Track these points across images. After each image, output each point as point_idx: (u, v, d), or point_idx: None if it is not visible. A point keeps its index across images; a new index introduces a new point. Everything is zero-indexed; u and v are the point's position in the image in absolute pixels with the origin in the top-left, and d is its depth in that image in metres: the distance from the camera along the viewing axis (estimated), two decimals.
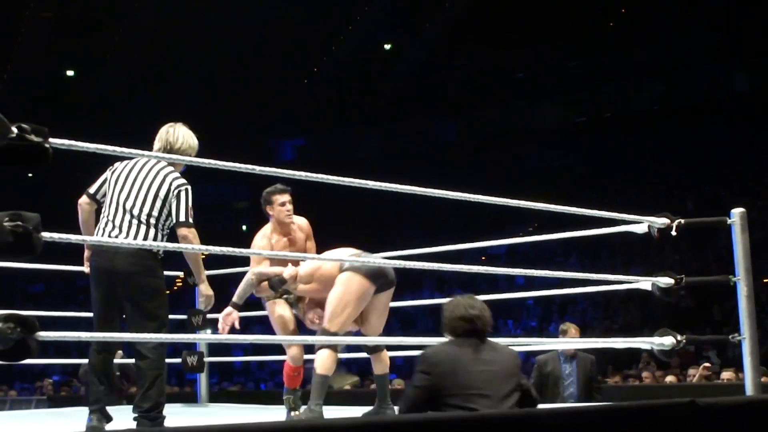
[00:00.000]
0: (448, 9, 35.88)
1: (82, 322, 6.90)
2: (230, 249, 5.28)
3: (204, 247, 5.97)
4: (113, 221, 6.04)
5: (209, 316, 8.45)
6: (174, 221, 6.27)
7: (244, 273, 7.51)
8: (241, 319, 7.40)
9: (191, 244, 6.13)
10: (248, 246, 5.74)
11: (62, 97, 37.87)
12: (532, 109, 36.57)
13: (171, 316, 6.43)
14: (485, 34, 34.46)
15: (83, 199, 6.36)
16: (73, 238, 4.36)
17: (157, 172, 6.31)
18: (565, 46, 34.31)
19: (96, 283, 6.10)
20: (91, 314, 6.24)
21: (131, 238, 5.99)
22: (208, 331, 8.64)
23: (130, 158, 6.23)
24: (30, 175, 30.85)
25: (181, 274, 9.51)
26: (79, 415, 6.65)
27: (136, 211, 6.08)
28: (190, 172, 5.59)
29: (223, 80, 36.56)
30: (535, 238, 8.76)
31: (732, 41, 30.61)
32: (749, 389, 6.68)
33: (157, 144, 6.44)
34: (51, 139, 4.09)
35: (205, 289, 6.40)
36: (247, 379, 25.36)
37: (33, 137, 4.01)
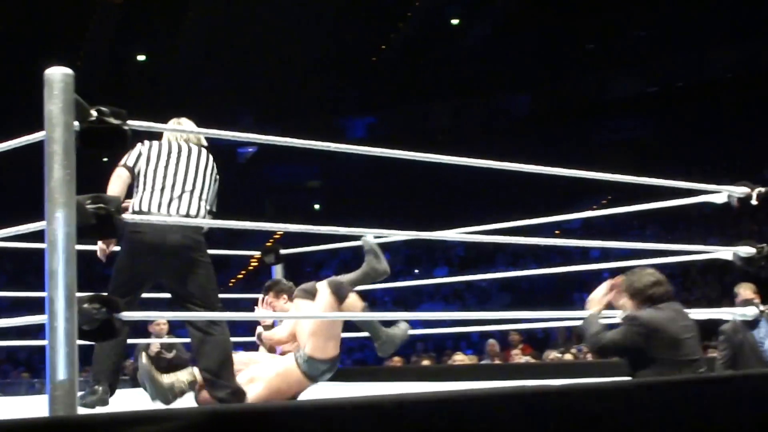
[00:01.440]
0: None
1: (160, 303, 6.95)
2: (305, 227, 5.31)
3: (280, 225, 5.98)
4: (168, 195, 5.95)
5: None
6: (210, 207, 6.30)
7: (318, 252, 7.56)
8: None
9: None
10: (322, 224, 5.69)
11: (134, 82, 38.22)
12: (604, 81, 36.29)
13: (248, 295, 6.48)
14: (553, 5, 34.25)
15: (121, 171, 6.09)
16: (153, 219, 4.42)
17: (207, 156, 6.34)
18: (636, 16, 33.98)
19: (137, 257, 5.93)
20: (169, 295, 6.25)
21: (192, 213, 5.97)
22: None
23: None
24: (105, 159, 31.15)
25: (256, 253, 9.62)
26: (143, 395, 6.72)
27: (190, 188, 6.05)
28: (261, 152, 5.58)
29: (291, 61, 36.65)
30: (610, 210, 8.67)
31: None
32: None
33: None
34: (129, 122, 4.15)
35: None
36: None
37: (112, 120, 4.07)
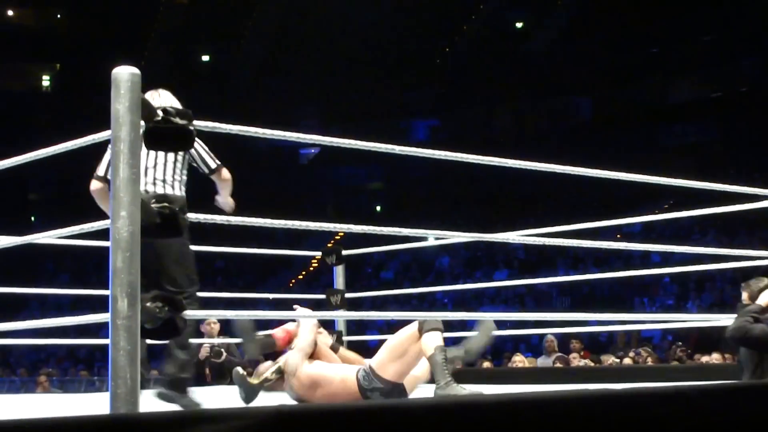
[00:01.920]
0: None
1: (221, 302, 7.02)
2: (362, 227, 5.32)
3: (341, 225, 6.00)
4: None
5: (347, 295, 8.57)
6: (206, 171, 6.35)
7: (378, 253, 7.53)
8: (377, 299, 7.45)
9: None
10: (383, 226, 5.68)
11: (198, 82, 38.50)
12: (667, 85, 36.06)
13: (308, 296, 6.51)
14: (617, 9, 34.09)
15: (96, 185, 6.14)
16: (218, 219, 4.46)
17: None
18: (700, 20, 33.74)
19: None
20: (228, 294, 6.33)
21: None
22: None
23: None
24: None
25: (317, 254, 9.65)
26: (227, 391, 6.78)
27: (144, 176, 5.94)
28: (324, 154, 5.58)
29: (355, 62, 36.74)
30: (671, 215, 8.62)
31: None
32: None
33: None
34: (195, 122, 4.19)
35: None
36: None
37: (178, 120, 4.11)
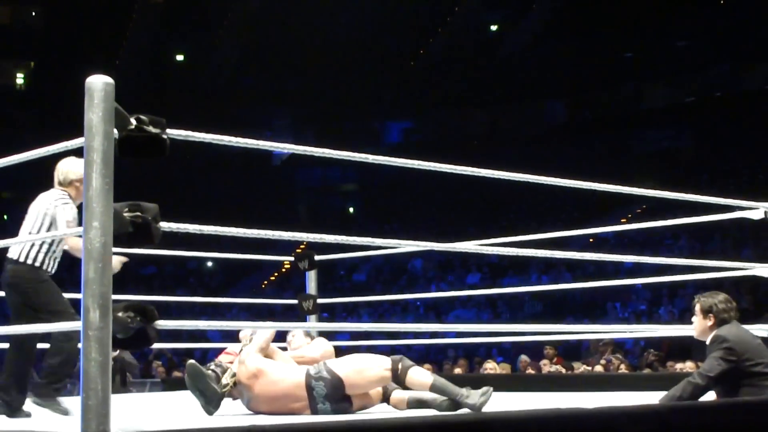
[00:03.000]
0: None
1: (194, 307, 7.00)
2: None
3: (312, 235, 5.98)
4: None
5: (320, 300, 8.55)
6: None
7: (353, 258, 7.49)
8: (348, 305, 7.45)
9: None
10: (356, 228, 5.66)
11: (172, 81, 38.42)
12: (641, 90, 36.18)
13: (280, 301, 6.51)
14: (592, 14, 34.20)
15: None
16: (190, 228, 4.45)
17: (46, 197, 6.87)
18: (674, 26, 33.88)
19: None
20: (214, 300, 6.33)
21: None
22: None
23: None
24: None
25: (289, 258, 9.64)
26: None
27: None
28: (297, 155, 5.55)
29: (329, 63, 36.72)
30: (644, 225, 8.63)
31: None
32: None
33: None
34: (168, 130, 4.17)
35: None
36: None
37: (151, 128, 4.10)
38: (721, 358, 5.99)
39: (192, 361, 6.75)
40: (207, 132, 4.56)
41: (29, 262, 6.63)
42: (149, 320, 4.04)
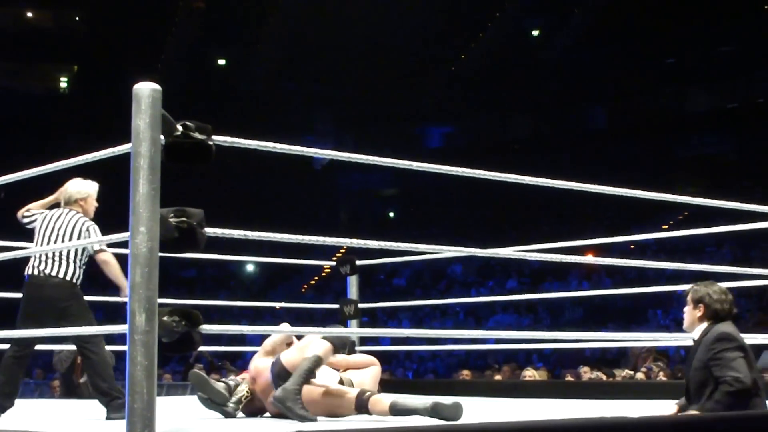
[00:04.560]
0: None
1: (233, 310, 7.06)
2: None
3: (353, 240, 6.00)
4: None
5: (360, 305, 8.58)
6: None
7: (393, 263, 7.45)
8: (388, 309, 7.44)
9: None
10: (396, 233, 5.67)
11: (214, 85, 38.57)
12: (683, 95, 35.99)
13: (320, 305, 6.54)
14: (634, 18, 34.05)
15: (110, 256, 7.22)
16: (235, 233, 4.48)
17: (68, 214, 7.25)
18: (717, 31, 33.68)
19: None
20: (246, 303, 6.39)
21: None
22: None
23: None
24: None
25: (328, 263, 9.67)
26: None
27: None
28: (337, 159, 5.59)
29: (372, 68, 36.73)
30: (686, 232, 8.62)
31: None
32: None
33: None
34: (214, 137, 4.21)
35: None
36: (391, 367, 25.44)
37: (197, 135, 4.14)
38: (742, 358, 5.57)
39: (194, 370, 6.87)
40: (248, 137, 4.60)
41: (68, 278, 7.00)
42: (194, 324, 4.07)
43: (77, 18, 38.95)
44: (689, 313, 5.94)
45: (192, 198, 5.12)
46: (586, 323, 22.18)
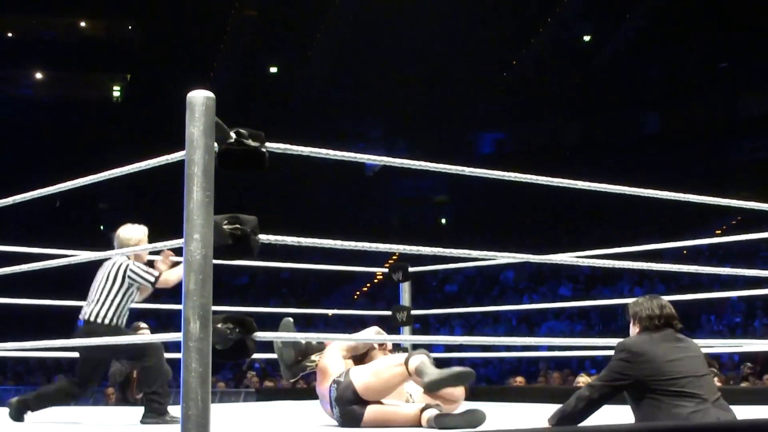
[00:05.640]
0: None
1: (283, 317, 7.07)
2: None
3: (404, 247, 6.00)
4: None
5: (413, 312, 8.58)
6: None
7: (445, 269, 7.43)
8: (440, 316, 7.41)
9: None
10: (448, 239, 5.65)
11: (266, 93, 38.73)
12: (736, 99, 35.75)
13: (373, 312, 6.53)
14: (686, 23, 33.87)
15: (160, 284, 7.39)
16: (288, 240, 4.51)
17: (113, 262, 7.35)
18: None
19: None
20: (300, 310, 6.40)
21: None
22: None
23: None
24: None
25: (380, 270, 9.68)
26: (292, 407, 6.83)
27: (93, 297, 7.32)
28: (389, 166, 5.60)
29: (423, 75, 36.78)
30: (740, 237, 8.53)
31: None
32: None
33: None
34: (267, 144, 4.23)
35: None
36: None
37: (250, 142, 4.16)
38: (613, 370, 5.44)
39: (288, 318, 6.88)
40: (300, 143, 4.62)
41: (106, 322, 7.15)
42: (248, 332, 4.09)
43: (130, 27, 39.34)
44: (631, 328, 5.79)
45: (245, 205, 5.16)
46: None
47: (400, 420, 6.25)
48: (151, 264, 7.50)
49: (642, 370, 5.36)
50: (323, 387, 6.37)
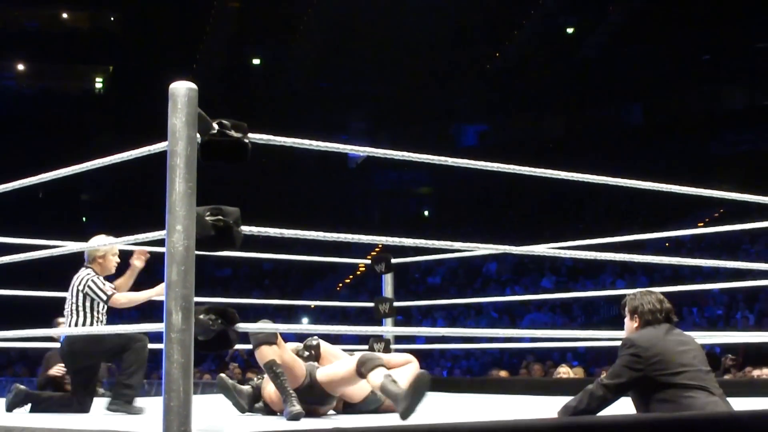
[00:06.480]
0: None
1: (268, 308, 7.08)
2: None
3: (387, 238, 6.01)
4: None
5: (395, 304, 8.58)
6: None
7: (427, 261, 7.45)
8: (423, 308, 7.43)
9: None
10: (431, 231, 5.67)
11: (249, 85, 38.69)
12: (719, 92, 35.83)
13: (355, 303, 6.55)
14: (669, 15, 33.91)
15: (120, 299, 7.38)
16: (271, 231, 4.50)
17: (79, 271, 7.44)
18: (752, 27, 33.48)
19: None
20: (282, 302, 6.39)
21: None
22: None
23: None
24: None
25: (363, 261, 9.67)
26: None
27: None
28: (372, 158, 5.57)
29: (405, 67, 36.76)
30: (722, 228, 8.55)
31: None
32: None
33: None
34: (250, 135, 4.22)
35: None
36: (426, 366, 25.28)
37: (233, 133, 4.15)
38: (624, 366, 5.44)
39: (222, 375, 6.98)
40: (283, 135, 4.61)
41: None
42: (230, 323, 4.09)
43: (112, 19, 39.23)
44: (627, 323, 5.82)
45: (228, 197, 5.15)
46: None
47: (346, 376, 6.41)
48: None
49: (652, 364, 5.38)
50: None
